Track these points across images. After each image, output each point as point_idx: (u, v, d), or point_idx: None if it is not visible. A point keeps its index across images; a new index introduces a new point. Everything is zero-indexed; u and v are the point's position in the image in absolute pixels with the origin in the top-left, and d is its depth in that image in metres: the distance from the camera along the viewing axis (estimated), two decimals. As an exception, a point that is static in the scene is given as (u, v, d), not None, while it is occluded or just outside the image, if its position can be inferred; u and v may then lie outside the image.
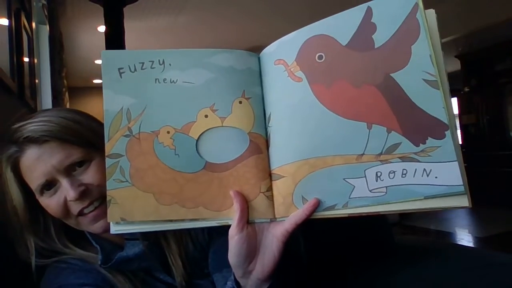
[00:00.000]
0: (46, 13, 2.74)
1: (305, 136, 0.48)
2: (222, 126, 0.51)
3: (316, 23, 0.49)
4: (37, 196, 0.61)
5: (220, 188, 0.50)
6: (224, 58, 0.51)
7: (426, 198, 0.43)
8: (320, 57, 0.48)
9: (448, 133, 0.42)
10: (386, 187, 0.44)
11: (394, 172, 0.44)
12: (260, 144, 0.51)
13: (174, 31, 4.33)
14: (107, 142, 0.50)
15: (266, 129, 0.52)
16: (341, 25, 0.48)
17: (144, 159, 0.50)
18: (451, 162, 0.42)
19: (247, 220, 0.50)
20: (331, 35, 0.48)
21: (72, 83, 6.13)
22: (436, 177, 0.42)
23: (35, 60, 2.27)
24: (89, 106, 6.41)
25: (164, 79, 0.51)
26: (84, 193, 0.59)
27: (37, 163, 0.58)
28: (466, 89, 5.61)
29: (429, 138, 0.43)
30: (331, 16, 0.48)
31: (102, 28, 3.63)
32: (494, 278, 0.84)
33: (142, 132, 0.50)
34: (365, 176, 0.45)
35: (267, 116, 0.52)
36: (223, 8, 3.76)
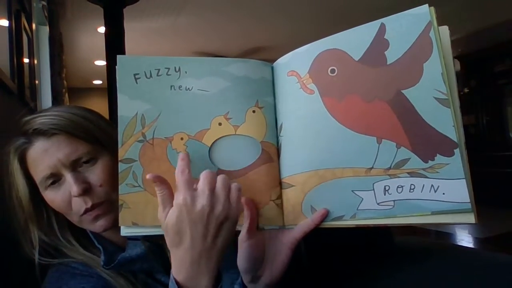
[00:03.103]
0: (46, 14, 2.74)
1: (315, 147, 0.49)
2: (236, 134, 0.52)
3: (330, 37, 0.50)
4: (41, 190, 0.61)
5: None
6: (239, 68, 0.52)
7: (433, 213, 0.43)
8: (333, 71, 0.49)
9: (457, 151, 0.42)
10: (393, 200, 0.45)
11: (402, 186, 0.45)
12: (271, 153, 0.52)
13: (174, 32, 4.33)
14: (120, 147, 0.50)
15: (277, 138, 0.53)
16: (354, 40, 0.48)
17: (157, 164, 0.50)
18: (459, 180, 0.42)
19: (256, 227, 0.51)
20: (344, 50, 0.49)
21: (72, 84, 6.13)
22: (443, 194, 0.43)
23: (35, 61, 2.27)
24: (90, 107, 6.38)
25: (180, 86, 0.52)
26: (87, 191, 0.59)
27: (44, 155, 0.59)
28: (466, 90, 5.62)
29: (438, 155, 0.43)
30: (344, 31, 0.49)
31: (102, 29, 3.63)
32: (494, 279, 0.84)
33: (156, 138, 0.51)
34: (374, 189, 0.46)
35: (278, 125, 0.53)
36: (223, 9, 3.77)
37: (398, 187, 0.45)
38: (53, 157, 0.59)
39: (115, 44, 3.03)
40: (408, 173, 0.44)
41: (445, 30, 0.45)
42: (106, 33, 3.12)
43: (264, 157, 0.52)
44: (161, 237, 0.66)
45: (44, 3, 2.66)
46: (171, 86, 0.52)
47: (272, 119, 0.53)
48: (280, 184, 0.52)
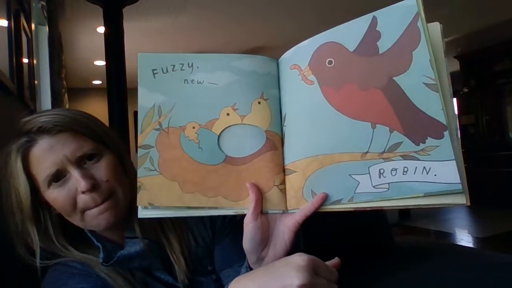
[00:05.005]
0: (46, 14, 2.74)
1: (315, 134, 0.52)
2: (242, 123, 0.56)
3: (327, 31, 0.53)
4: (44, 189, 0.60)
5: (238, 180, 0.55)
6: (247, 63, 0.57)
7: (426, 195, 0.45)
8: (330, 62, 0.52)
9: (446, 133, 0.45)
10: (388, 183, 0.47)
11: (396, 169, 0.47)
12: (275, 142, 0.56)
13: (174, 31, 4.34)
14: (140, 134, 0.55)
15: (281, 128, 0.56)
16: (349, 33, 0.52)
17: (172, 151, 0.55)
18: (449, 161, 0.44)
19: (261, 210, 0.54)
20: (340, 42, 0.52)
21: (71, 84, 6.14)
22: (435, 175, 0.44)
23: (35, 61, 2.27)
24: (89, 107, 6.41)
25: (192, 80, 0.57)
26: (94, 187, 0.60)
27: (49, 153, 0.59)
28: (465, 90, 5.63)
29: (429, 137, 0.45)
30: (340, 25, 0.52)
31: (101, 29, 3.63)
32: (494, 278, 0.84)
33: (171, 126, 0.56)
34: (369, 173, 0.48)
35: (283, 116, 0.57)
36: (223, 8, 3.77)
37: (392, 170, 0.47)
38: (59, 154, 0.59)
39: (114, 44, 3.03)
40: (401, 156, 0.46)
41: (436, 25, 0.49)
42: (105, 33, 3.12)
43: (268, 145, 0.55)
44: (158, 232, 0.66)
45: (43, 3, 2.66)
46: (184, 80, 0.57)
47: (277, 110, 0.57)
48: (283, 171, 0.55)
